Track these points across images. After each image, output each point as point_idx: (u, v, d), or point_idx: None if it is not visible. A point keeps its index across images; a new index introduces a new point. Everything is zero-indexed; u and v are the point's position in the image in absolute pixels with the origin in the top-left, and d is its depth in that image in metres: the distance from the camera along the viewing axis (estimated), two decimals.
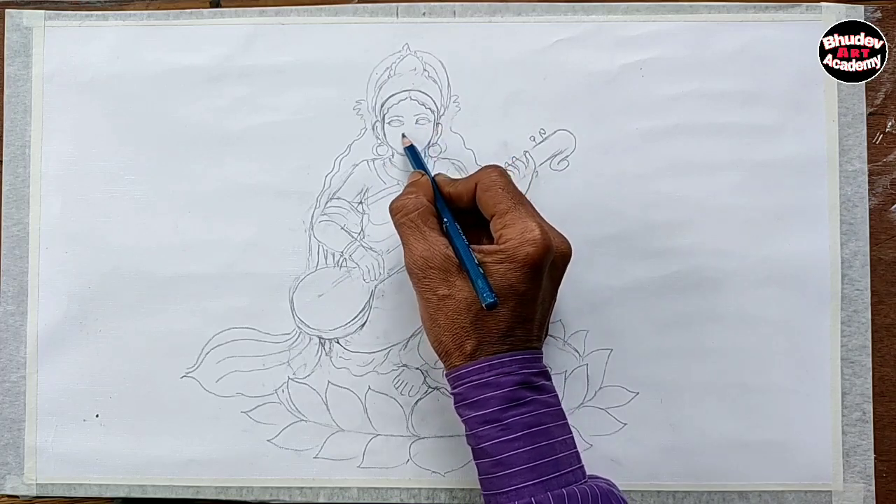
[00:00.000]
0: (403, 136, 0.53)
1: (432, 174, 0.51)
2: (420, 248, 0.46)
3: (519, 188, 0.48)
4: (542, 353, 0.47)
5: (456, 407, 0.46)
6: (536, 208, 0.47)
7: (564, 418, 0.45)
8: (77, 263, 0.54)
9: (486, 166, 0.49)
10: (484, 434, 0.44)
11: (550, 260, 0.45)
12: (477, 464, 0.45)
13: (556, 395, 0.46)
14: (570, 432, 0.45)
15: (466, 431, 0.46)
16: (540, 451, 0.43)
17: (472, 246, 0.45)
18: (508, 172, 0.49)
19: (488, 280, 0.44)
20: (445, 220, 0.47)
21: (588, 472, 0.45)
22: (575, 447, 0.45)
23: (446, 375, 0.47)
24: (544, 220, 0.47)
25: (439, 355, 0.47)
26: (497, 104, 0.54)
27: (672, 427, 0.53)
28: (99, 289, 0.54)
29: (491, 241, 0.46)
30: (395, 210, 0.48)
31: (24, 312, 0.54)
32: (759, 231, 0.53)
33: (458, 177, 0.53)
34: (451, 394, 0.46)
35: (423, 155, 0.53)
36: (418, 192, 0.48)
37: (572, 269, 0.48)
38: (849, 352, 0.53)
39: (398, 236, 0.48)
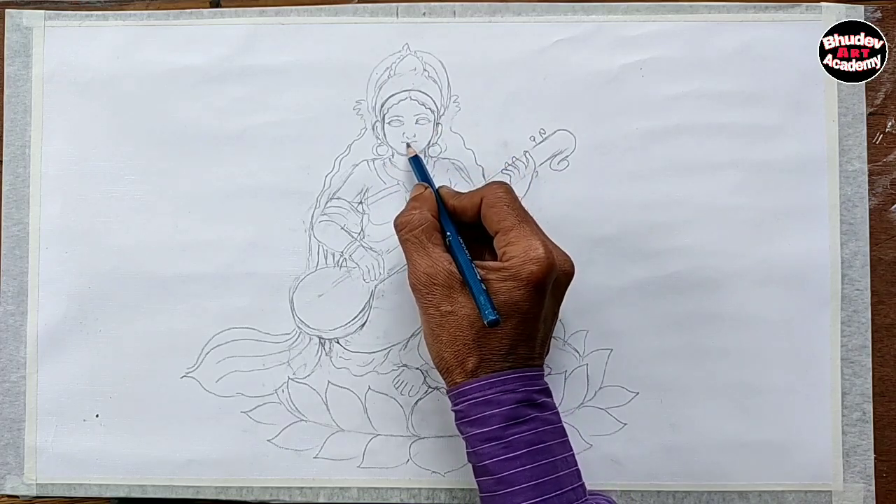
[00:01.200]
0: (408, 145, 0.53)
1: (435, 185, 0.51)
2: (423, 265, 0.46)
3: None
4: (543, 371, 0.47)
5: (457, 424, 0.46)
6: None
7: (565, 435, 0.45)
8: (77, 263, 0.54)
9: (491, 182, 0.49)
10: (485, 452, 0.44)
11: (554, 278, 0.45)
12: (478, 481, 0.45)
13: (558, 413, 0.46)
14: (571, 449, 0.45)
15: (468, 449, 0.46)
16: (542, 469, 0.43)
17: (476, 262, 0.45)
18: (511, 186, 0.48)
19: (491, 297, 0.44)
20: (449, 234, 0.47)
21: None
22: (576, 465, 0.45)
23: (447, 392, 0.47)
24: (548, 239, 0.46)
25: (440, 371, 0.46)
26: (497, 104, 0.54)
27: (672, 427, 0.53)
28: (99, 289, 0.54)
29: (494, 255, 0.47)
30: (400, 226, 0.48)
31: (24, 312, 0.54)
32: (759, 231, 0.53)
33: (460, 175, 0.53)
34: (452, 410, 0.46)
35: (427, 166, 0.53)
36: (422, 207, 0.48)
37: None
38: (849, 352, 0.53)
39: (401, 251, 0.48)
